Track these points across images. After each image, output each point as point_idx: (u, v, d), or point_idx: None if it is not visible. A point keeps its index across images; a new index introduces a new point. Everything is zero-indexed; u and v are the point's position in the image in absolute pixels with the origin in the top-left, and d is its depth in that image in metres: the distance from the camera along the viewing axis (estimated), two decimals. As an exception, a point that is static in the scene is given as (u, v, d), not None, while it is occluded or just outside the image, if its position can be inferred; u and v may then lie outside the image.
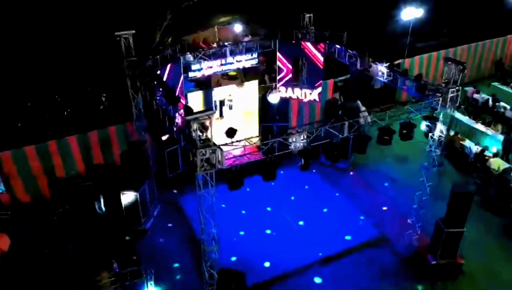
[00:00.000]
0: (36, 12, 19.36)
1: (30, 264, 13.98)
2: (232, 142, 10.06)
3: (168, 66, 15.09)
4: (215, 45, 29.23)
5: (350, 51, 15.58)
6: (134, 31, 14.43)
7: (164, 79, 14.76)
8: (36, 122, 18.56)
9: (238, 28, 29.58)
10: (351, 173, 19.27)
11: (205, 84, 22.00)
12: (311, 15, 17.57)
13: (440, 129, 13.11)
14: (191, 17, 27.48)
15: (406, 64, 23.68)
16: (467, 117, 21.47)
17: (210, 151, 9.10)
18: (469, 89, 23.90)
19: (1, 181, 15.07)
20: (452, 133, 20.26)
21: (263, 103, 18.85)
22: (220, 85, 22.54)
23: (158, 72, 14.27)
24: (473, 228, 14.69)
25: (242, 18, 28.96)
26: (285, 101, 18.98)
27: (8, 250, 14.81)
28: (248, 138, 10.60)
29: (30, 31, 19.31)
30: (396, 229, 15.78)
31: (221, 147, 9.39)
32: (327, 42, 16.61)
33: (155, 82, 12.67)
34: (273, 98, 15.27)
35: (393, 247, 15.30)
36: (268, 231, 15.59)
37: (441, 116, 12.89)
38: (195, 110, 16.56)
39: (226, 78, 26.03)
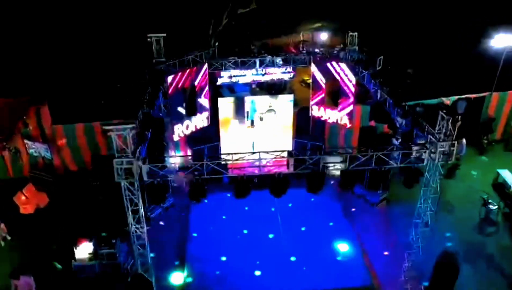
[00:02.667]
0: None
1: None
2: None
3: (191, 70, 15.79)
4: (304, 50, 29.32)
5: (373, 80, 14.21)
6: (165, 34, 15.41)
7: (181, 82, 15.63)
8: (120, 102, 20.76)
9: (324, 36, 28.92)
10: (379, 208, 17.56)
11: (278, 88, 22.38)
12: (356, 34, 16.42)
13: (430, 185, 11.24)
14: (279, 21, 27.82)
15: (494, 99, 20.29)
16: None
17: (126, 162, 9.57)
18: None
19: (49, 149, 17.68)
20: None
21: (299, 118, 18.38)
22: (293, 92, 22.57)
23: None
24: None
25: (331, 26, 28.19)
26: (320, 120, 18.18)
27: (44, 207, 17.58)
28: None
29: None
30: (396, 283, 14.07)
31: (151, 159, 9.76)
32: (358, 65, 15.36)
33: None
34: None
35: (381, 301, 13.77)
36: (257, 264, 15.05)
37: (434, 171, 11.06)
38: (224, 116, 17.42)
39: (304, 85, 25.91)
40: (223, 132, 17.82)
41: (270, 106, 16.06)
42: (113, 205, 16.48)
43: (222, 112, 17.47)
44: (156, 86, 13.51)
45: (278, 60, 16.93)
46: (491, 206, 16.80)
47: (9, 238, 15.88)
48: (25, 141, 17.76)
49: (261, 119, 18.47)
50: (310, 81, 25.90)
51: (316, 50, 18.49)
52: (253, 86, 27.20)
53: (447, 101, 20.19)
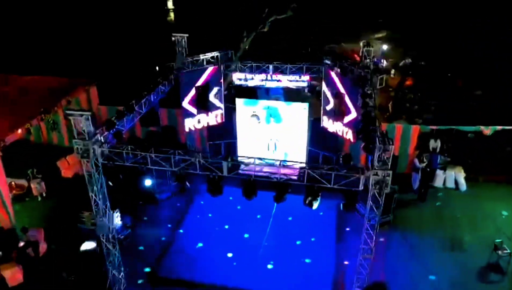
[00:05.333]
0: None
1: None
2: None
3: (210, 69, 17.01)
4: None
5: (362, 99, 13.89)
6: (187, 34, 16.81)
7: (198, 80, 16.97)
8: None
9: (384, 46, 27.82)
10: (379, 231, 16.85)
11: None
12: (371, 48, 16.02)
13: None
14: (341, 28, 27.62)
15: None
16: None
17: (83, 143, 11.21)
18: None
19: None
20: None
21: (313, 128, 18.49)
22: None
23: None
24: None
25: (392, 37, 27.06)
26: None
27: (82, 174, 20.32)
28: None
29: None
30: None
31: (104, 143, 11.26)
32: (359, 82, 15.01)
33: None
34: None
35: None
36: (230, 255, 15.76)
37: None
38: (239, 116, 18.28)
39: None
40: (240, 131, 18.76)
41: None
42: (127, 186, 18.65)
43: (240, 112, 18.41)
44: (156, 82, 14.95)
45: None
46: (500, 252, 15.18)
47: (44, 195, 18.89)
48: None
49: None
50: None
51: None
52: (305, 90, 27.48)
53: (487, 130, 18.44)
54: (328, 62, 16.84)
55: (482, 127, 18.26)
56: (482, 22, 20.67)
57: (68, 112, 11.11)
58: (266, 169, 11.33)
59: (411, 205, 18.44)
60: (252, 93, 21.01)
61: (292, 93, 21.38)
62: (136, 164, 11.54)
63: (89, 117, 11.18)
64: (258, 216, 17.22)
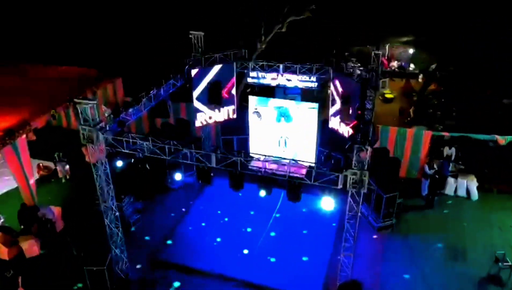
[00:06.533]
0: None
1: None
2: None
3: (219, 66, 17.71)
4: (394, 63, 28.76)
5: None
6: (203, 33, 17.60)
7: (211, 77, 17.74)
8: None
9: (409, 51, 27.46)
10: (381, 233, 16.98)
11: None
12: (380, 52, 16.13)
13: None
14: (366, 31, 27.53)
15: None
16: None
17: (87, 130, 12.22)
18: None
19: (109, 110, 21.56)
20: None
21: (324, 128, 18.75)
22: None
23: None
24: None
25: (419, 41, 26.64)
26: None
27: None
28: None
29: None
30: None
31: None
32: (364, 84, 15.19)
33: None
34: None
35: None
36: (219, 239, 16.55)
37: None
38: (253, 113, 18.89)
39: (381, 98, 25.59)
40: (252, 128, 19.29)
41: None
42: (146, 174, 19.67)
43: (252, 108, 18.94)
44: (168, 77, 15.86)
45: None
46: (500, 264, 14.90)
47: (68, 177, 20.35)
48: (102, 106, 22.02)
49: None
50: (390, 96, 25.33)
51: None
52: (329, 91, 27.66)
53: (502, 140, 17.96)
54: (352, 64, 17.00)
55: (497, 137, 17.80)
56: (482, 22, 20.07)
57: (75, 100, 12.11)
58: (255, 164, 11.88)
59: (417, 211, 18.34)
60: (269, 91, 21.52)
61: (309, 93, 21.70)
62: (134, 151, 12.38)
63: (95, 106, 12.13)
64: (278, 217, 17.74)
